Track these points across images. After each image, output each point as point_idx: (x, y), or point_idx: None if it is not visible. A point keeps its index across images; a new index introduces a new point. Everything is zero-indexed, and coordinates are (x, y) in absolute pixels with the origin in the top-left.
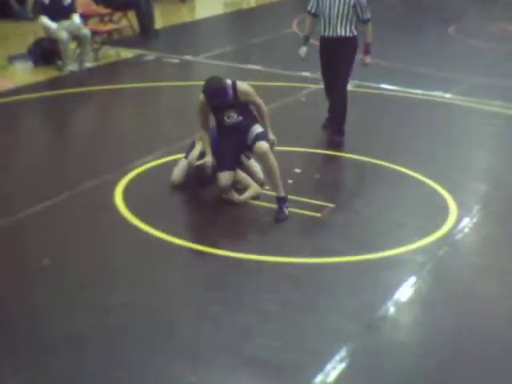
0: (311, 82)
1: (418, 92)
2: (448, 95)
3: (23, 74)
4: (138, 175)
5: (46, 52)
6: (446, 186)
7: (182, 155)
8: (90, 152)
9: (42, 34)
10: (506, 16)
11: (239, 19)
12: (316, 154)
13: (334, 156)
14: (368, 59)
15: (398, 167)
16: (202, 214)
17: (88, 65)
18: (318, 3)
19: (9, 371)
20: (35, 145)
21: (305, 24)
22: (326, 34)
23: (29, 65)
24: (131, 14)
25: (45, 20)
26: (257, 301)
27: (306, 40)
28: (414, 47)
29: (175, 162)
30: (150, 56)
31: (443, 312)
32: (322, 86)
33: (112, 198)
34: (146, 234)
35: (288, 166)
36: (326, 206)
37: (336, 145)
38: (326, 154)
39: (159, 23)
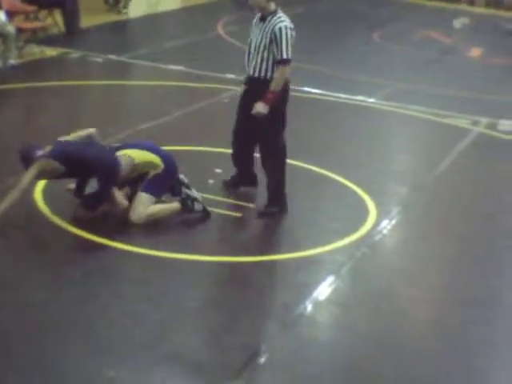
0: (235, 83)
1: (341, 96)
2: (371, 100)
3: None
4: None
5: None
6: (366, 188)
7: None
8: (13, 149)
9: None
10: (428, 22)
11: (165, 20)
12: None
13: (254, 157)
14: (260, 107)
15: (318, 169)
16: (122, 212)
17: (12, 62)
18: None
19: None
20: None
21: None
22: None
23: None
24: (57, 12)
25: None
26: (177, 299)
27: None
28: (339, 52)
29: None
30: (75, 54)
31: (360, 311)
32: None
33: (31, 195)
34: (66, 231)
35: (209, 166)
36: (246, 206)
37: (263, 216)
38: None
39: (85, 22)
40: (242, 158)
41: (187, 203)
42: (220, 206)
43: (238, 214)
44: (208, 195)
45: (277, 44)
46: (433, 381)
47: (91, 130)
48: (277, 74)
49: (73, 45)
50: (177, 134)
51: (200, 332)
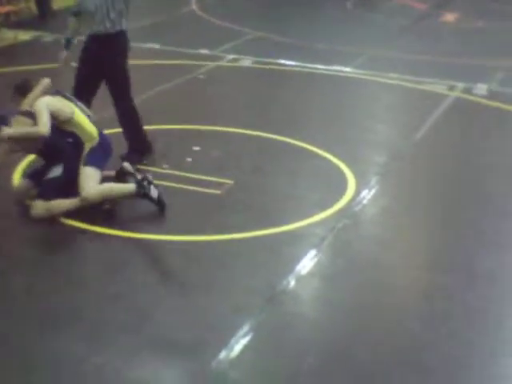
0: (210, 59)
1: (317, 67)
2: (347, 69)
3: None
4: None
5: None
6: (344, 159)
7: None
8: None
9: None
10: None
11: None
12: (215, 131)
13: (232, 133)
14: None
15: (296, 142)
16: None
17: None
18: None
19: None
20: None
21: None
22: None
23: None
24: None
25: None
26: (158, 280)
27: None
28: (312, 22)
29: None
30: (48, 38)
31: (343, 284)
32: (221, 62)
33: (11, 179)
34: (49, 218)
35: (187, 144)
36: (225, 183)
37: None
38: (225, 131)
39: (57, 4)
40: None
41: (143, 185)
42: (198, 183)
43: (217, 192)
44: (186, 173)
45: None
46: (419, 349)
47: (46, 81)
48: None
49: (46, 28)
50: (153, 112)
51: (184, 312)
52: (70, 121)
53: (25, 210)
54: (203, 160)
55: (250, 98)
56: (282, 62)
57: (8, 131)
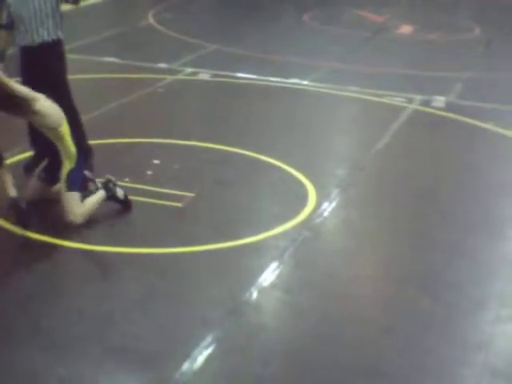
0: (168, 73)
1: (274, 80)
2: (305, 82)
3: None
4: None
5: None
6: (304, 171)
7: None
8: None
9: None
10: (358, 2)
11: (94, 12)
12: (175, 144)
13: (192, 146)
14: None
15: (256, 155)
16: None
17: None
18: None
19: None
20: None
21: None
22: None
23: None
24: None
25: None
26: (121, 291)
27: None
28: (269, 35)
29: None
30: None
31: (305, 295)
32: (180, 76)
33: None
34: (3, 229)
35: (147, 157)
36: (186, 196)
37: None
38: (184, 145)
39: None
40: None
41: (109, 186)
42: (159, 196)
43: (178, 204)
44: (147, 186)
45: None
46: (380, 359)
47: None
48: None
49: None
50: (111, 126)
51: (146, 324)
52: (54, 129)
53: None
54: (163, 173)
55: (209, 112)
56: (240, 75)
57: None
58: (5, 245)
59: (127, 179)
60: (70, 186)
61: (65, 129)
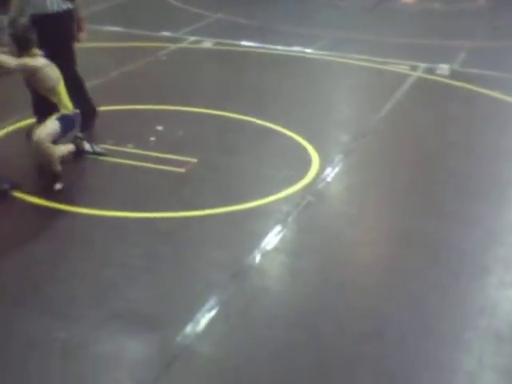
0: (172, 41)
1: (278, 48)
2: (309, 50)
3: None
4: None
5: None
6: (308, 137)
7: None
8: None
9: None
10: None
11: None
12: (178, 111)
13: (196, 113)
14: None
15: (260, 121)
16: (70, 174)
17: None
18: None
19: None
20: None
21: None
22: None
23: None
24: None
25: None
26: (124, 256)
27: None
28: (273, 5)
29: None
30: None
31: (308, 259)
32: (183, 44)
33: None
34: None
35: (150, 123)
36: (189, 162)
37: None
38: (188, 111)
39: None
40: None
41: (76, 142)
42: (162, 162)
43: (181, 170)
44: (151, 152)
45: None
46: (380, 322)
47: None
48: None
49: None
50: (115, 94)
51: (149, 288)
52: (53, 90)
53: None
54: (167, 139)
55: (213, 79)
56: (244, 43)
57: None
58: (13, 211)
59: (130, 145)
60: (56, 117)
61: (61, 88)
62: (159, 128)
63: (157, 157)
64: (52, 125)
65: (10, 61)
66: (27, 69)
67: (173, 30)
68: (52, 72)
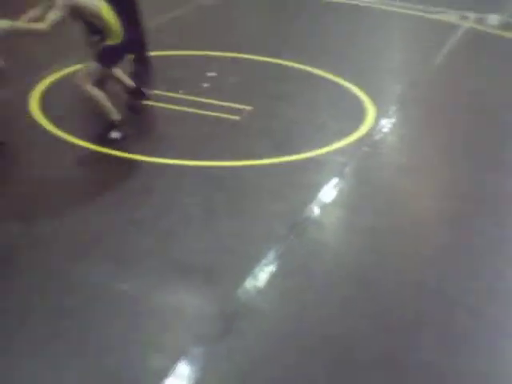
0: None
1: None
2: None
3: None
4: (57, 81)
5: None
6: (363, 88)
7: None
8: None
9: None
10: None
11: None
12: (231, 57)
13: (250, 59)
14: None
15: (315, 70)
16: (125, 121)
17: None
18: None
19: None
20: None
21: None
22: None
23: None
24: None
25: None
26: (181, 205)
27: None
28: None
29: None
30: None
31: (364, 211)
32: None
33: (27, 106)
34: (65, 142)
35: (202, 70)
36: (243, 109)
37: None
38: (241, 58)
39: None
40: None
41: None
42: (216, 109)
43: (236, 117)
44: (203, 99)
45: None
46: (444, 280)
47: None
48: None
49: None
50: (166, 39)
51: (207, 238)
52: (96, 15)
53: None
54: (220, 86)
55: (266, 26)
56: None
57: (7, 24)
58: (64, 157)
59: (181, 91)
60: (99, 57)
61: (104, 12)
62: (212, 74)
63: (211, 103)
64: (91, 65)
65: (39, 26)
66: (58, 19)
67: None
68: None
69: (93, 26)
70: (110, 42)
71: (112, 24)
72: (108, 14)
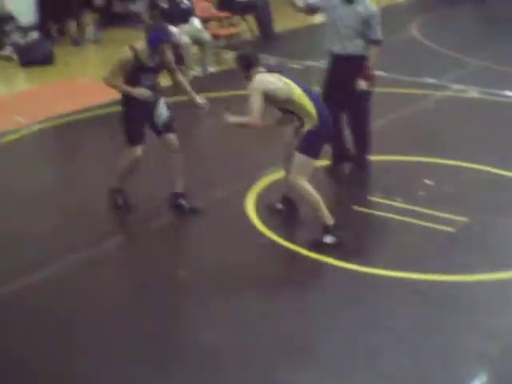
0: (435, 88)
1: None
2: None
3: None
4: (272, 183)
5: None
6: None
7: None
8: (219, 159)
9: None
10: None
11: None
12: (446, 164)
13: (463, 167)
14: (363, 84)
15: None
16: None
17: (210, 69)
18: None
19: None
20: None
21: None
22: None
23: None
24: (250, 18)
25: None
26: (387, 316)
27: None
28: None
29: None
30: (270, 60)
31: None
32: (448, 93)
33: (244, 207)
34: (280, 246)
35: (418, 176)
36: (458, 220)
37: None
38: (456, 165)
39: (278, 27)
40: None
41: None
42: (431, 219)
43: (450, 229)
44: (419, 208)
45: (370, 25)
46: None
47: None
48: (372, 53)
49: (268, 50)
50: (383, 143)
51: (414, 353)
52: (287, 100)
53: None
54: (435, 194)
55: (480, 131)
56: (508, 93)
57: (226, 120)
58: (274, 260)
59: (399, 199)
60: (302, 147)
61: (295, 95)
62: (428, 182)
63: (425, 213)
64: (302, 162)
65: (250, 119)
66: (261, 106)
67: (435, 76)
68: (278, 85)
69: (287, 111)
70: (308, 127)
71: (307, 108)
72: (301, 99)
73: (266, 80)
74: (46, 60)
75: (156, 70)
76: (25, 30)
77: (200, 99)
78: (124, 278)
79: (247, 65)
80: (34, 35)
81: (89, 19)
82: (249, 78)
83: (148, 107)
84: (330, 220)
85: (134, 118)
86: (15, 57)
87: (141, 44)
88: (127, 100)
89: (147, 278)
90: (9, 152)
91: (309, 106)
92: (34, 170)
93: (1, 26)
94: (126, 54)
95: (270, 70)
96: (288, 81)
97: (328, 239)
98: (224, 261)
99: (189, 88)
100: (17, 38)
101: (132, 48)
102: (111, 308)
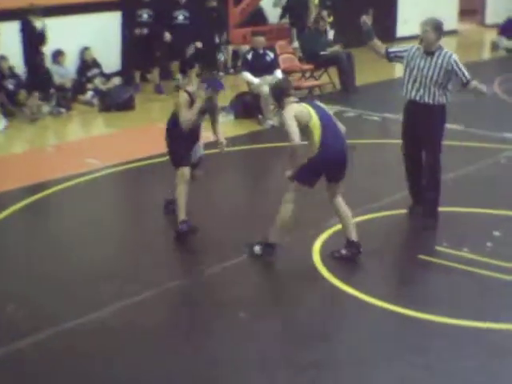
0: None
1: None
2: None
3: (224, 126)
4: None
5: (247, 106)
6: None
7: (390, 212)
8: None
9: (244, 89)
10: None
11: None
12: None
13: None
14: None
15: None
16: (403, 275)
17: None
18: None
19: None
20: (230, 197)
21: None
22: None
23: (230, 118)
24: (332, 71)
25: (247, 75)
26: (458, 368)
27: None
28: None
29: (383, 218)
30: (351, 113)
31: None
32: None
33: (310, 253)
34: (344, 293)
35: (487, 228)
36: None
37: (427, 228)
38: None
39: (359, 80)
40: (416, 179)
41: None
42: (498, 270)
43: None
44: (485, 259)
45: (457, 72)
46: None
47: None
48: (472, 87)
49: (348, 103)
50: (456, 194)
51: None
52: (305, 126)
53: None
54: (503, 246)
55: None
56: None
57: (287, 175)
58: (342, 308)
59: (466, 249)
60: (295, 174)
61: (311, 123)
62: (496, 234)
63: (492, 264)
64: (291, 186)
65: (291, 145)
66: (297, 129)
67: None
68: (303, 112)
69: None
70: (309, 156)
71: (315, 137)
72: (314, 127)
73: (296, 107)
74: (127, 106)
75: (203, 112)
76: (108, 77)
77: (223, 138)
78: (185, 317)
79: (280, 94)
80: (117, 81)
81: (175, 68)
82: (282, 107)
83: (189, 143)
84: (274, 240)
85: (179, 146)
86: (96, 101)
87: (193, 89)
88: (171, 134)
89: (209, 317)
90: (77, 192)
91: (317, 135)
92: (96, 213)
93: (84, 72)
94: (183, 95)
95: (300, 100)
96: (311, 109)
97: (257, 249)
98: (287, 303)
99: (220, 130)
100: (99, 83)
101: (186, 92)
102: None
